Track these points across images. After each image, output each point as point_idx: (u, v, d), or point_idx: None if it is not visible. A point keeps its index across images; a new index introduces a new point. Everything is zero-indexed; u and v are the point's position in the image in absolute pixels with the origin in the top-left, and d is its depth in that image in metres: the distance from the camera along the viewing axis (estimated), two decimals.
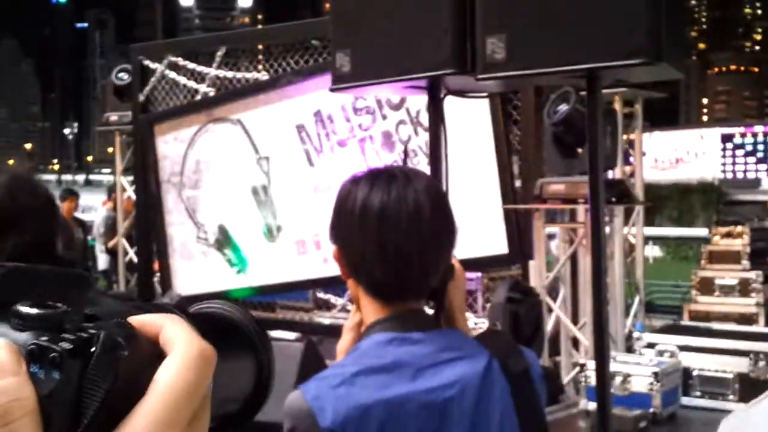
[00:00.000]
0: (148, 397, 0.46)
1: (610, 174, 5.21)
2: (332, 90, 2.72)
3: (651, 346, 3.98)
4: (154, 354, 0.48)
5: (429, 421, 1.44)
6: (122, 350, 0.45)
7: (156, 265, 7.69)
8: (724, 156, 32.66)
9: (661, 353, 3.84)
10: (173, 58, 7.37)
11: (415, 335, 1.49)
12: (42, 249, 1.51)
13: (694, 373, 3.91)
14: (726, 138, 32.89)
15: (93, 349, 0.44)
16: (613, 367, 2.63)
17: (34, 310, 0.46)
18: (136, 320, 0.49)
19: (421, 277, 1.52)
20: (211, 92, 7.19)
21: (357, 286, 1.54)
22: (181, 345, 0.48)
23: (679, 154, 31.28)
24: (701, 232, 20.47)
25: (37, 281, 0.51)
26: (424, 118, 5.71)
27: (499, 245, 5.40)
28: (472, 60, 2.41)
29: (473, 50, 2.40)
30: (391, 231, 1.48)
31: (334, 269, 5.58)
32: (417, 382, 1.45)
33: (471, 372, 1.49)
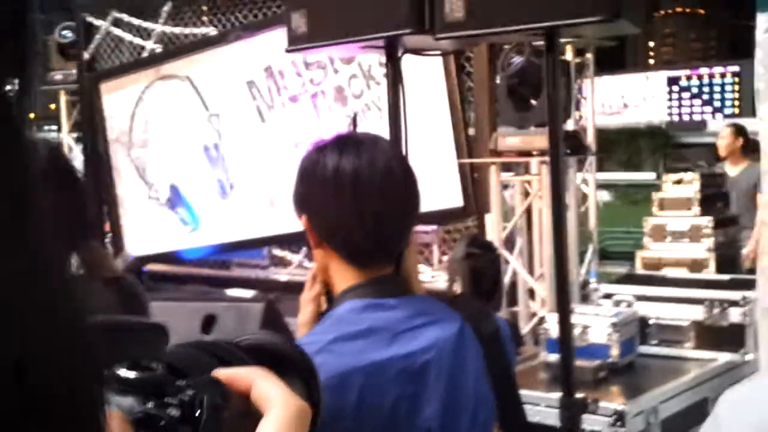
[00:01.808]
0: None
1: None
2: (288, 51, 2.67)
3: (608, 296, 4.04)
4: (248, 411, 0.48)
5: (407, 386, 1.45)
6: (224, 412, 0.46)
7: (107, 226, 7.58)
8: (670, 99, 32.98)
9: (617, 303, 3.90)
10: (118, 15, 7.20)
11: (390, 301, 1.50)
12: (82, 212, 1.54)
13: (651, 322, 3.98)
14: (672, 81, 33.18)
15: (198, 413, 0.45)
16: (571, 318, 2.66)
17: (133, 374, 0.47)
18: (226, 375, 0.49)
19: (397, 241, 1.54)
20: (158, 49, 7.05)
21: (327, 254, 1.53)
22: (278, 404, 0.48)
23: (626, 99, 31.55)
24: (650, 176, 20.75)
25: (123, 336, 0.52)
26: (376, 72, 5.66)
27: (455, 198, 5.41)
28: (431, 19, 2.38)
29: (431, 9, 2.36)
30: (366, 195, 1.48)
31: (288, 226, 5.54)
32: (394, 347, 1.45)
33: (445, 336, 1.50)
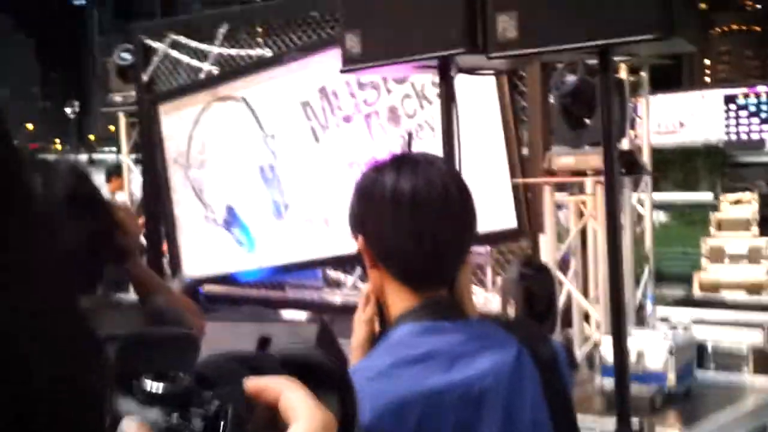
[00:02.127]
0: None
1: (618, 144, 5.17)
2: (343, 71, 2.70)
3: (664, 319, 3.97)
4: (274, 422, 0.48)
5: (465, 412, 1.43)
6: (248, 424, 0.46)
7: (165, 247, 7.69)
8: (727, 118, 32.42)
9: (674, 327, 3.84)
10: (175, 37, 7.33)
11: (447, 324, 1.48)
12: (107, 237, 1.54)
13: (709, 346, 3.91)
14: (729, 99, 32.62)
15: (222, 424, 0.45)
16: (627, 343, 2.62)
17: (159, 385, 0.47)
18: (253, 385, 0.50)
19: (454, 263, 1.52)
20: (215, 70, 7.15)
21: (383, 276, 1.51)
22: (304, 416, 0.49)
23: (682, 117, 31.11)
24: (707, 196, 20.38)
25: (151, 348, 0.52)
26: (429, 92, 5.68)
27: (508, 219, 5.39)
28: (484, 38, 2.38)
29: (484, 28, 2.37)
30: (425, 216, 1.46)
31: (343, 247, 5.60)
32: (452, 372, 1.43)
33: (503, 361, 1.48)
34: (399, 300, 1.50)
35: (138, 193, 8.43)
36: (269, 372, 0.54)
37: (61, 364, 0.40)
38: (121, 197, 9.40)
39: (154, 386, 0.47)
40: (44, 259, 0.42)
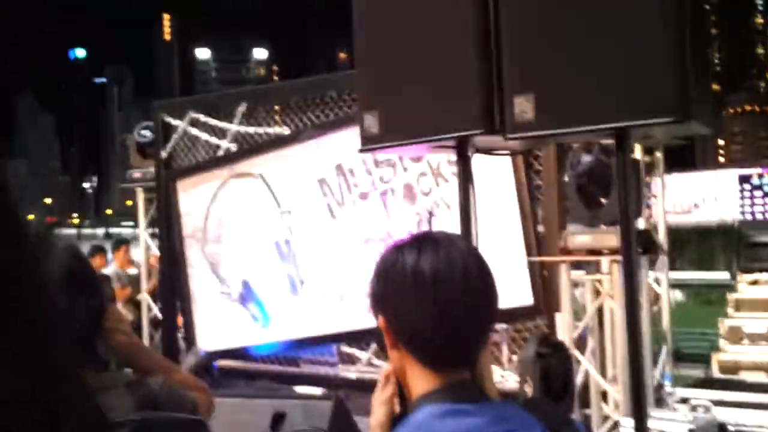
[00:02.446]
0: None
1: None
2: (361, 151, 2.73)
3: (684, 400, 3.92)
4: None
5: None
6: None
7: (180, 320, 7.69)
8: (742, 197, 32.44)
9: (695, 408, 3.78)
10: (194, 115, 7.45)
11: (469, 407, 1.45)
12: (100, 313, 1.57)
13: (730, 428, 3.84)
14: (743, 179, 32.70)
15: None
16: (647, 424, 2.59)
17: None
18: None
19: (476, 344, 1.50)
20: (233, 148, 7.25)
21: (404, 356, 1.50)
22: None
23: (697, 197, 31.13)
24: (723, 276, 20.24)
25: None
26: (445, 170, 5.73)
27: (525, 297, 5.37)
28: (501, 119, 2.42)
29: (501, 110, 2.41)
30: (446, 296, 1.44)
31: (358, 323, 5.56)
32: None
33: None
34: (420, 381, 1.48)
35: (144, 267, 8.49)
36: None
37: None
38: (134, 271, 9.44)
39: None
40: (53, 331, 0.44)
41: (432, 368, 1.47)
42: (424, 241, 1.51)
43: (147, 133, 7.94)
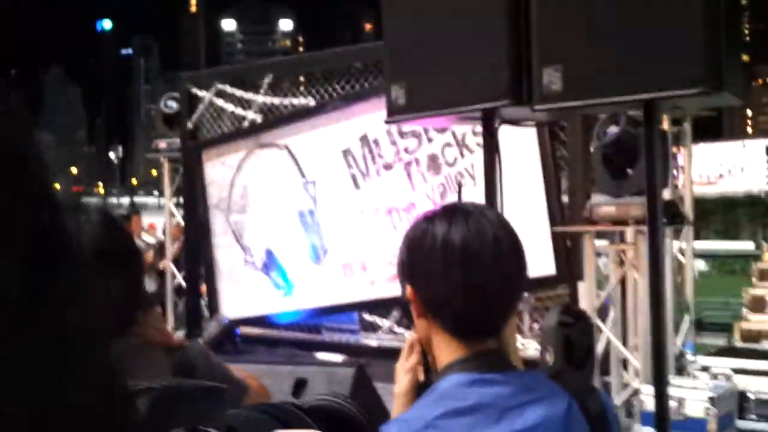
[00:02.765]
0: None
1: None
2: (387, 122, 2.75)
3: (705, 369, 3.94)
4: None
5: None
6: None
7: (203, 289, 7.77)
8: None
9: (715, 376, 3.80)
10: (220, 86, 7.48)
11: (496, 376, 1.46)
12: (137, 285, 1.54)
13: (750, 396, 3.87)
14: None
15: None
16: (668, 391, 2.62)
17: None
18: None
19: (504, 314, 1.51)
20: (258, 119, 7.27)
21: (431, 326, 1.50)
22: None
23: (723, 168, 30.87)
24: (749, 246, 20.17)
25: (182, 402, 0.53)
26: (470, 140, 5.73)
27: (547, 266, 5.38)
28: (528, 91, 2.43)
29: (529, 81, 2.42)
30: (476, 267, 1.45)
31: (380, 291, 5.60)
32: (502, 424, 1.42)
33: (553, 414, 1.46)
34: (447, 350, 1.49)
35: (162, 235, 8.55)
36: (298, 425, 0.56)
37: (98, 415, 0.43)
38: (150, 239, 9.53)
39: None
40: (85, 308, 0.44)
41: (459, 337, 1.48)
42: (454, 212, 1.51)
43: (173, 103, 7.98)
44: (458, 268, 1.45)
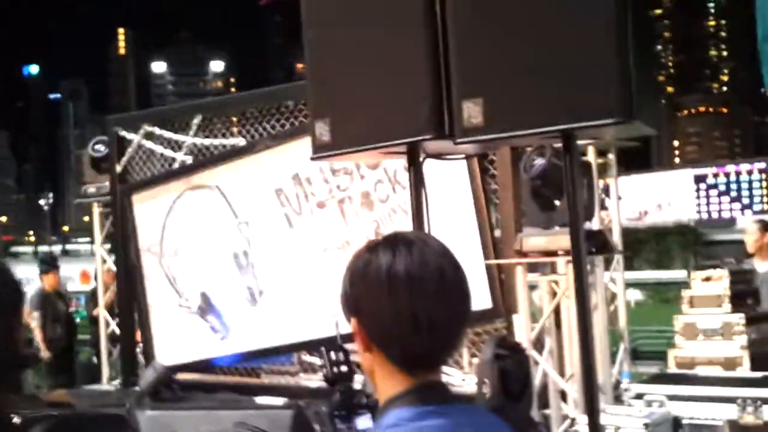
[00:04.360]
0: None
1: (587, 224, 5.25)
2: (313, 159, 2.75)
3: (639, 396, 3.98)
4: None
5: None
6: None
7: (138, 335, 7.63)
8: (698, 197, 33.02)
9: (650, 403, 3.85)
10: (149, 128, 7.41)
11: (439, 408, 1.44)
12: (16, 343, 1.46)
13: (684, 422, 3.92)
14: (699, 179, 33.30)
15: None
16: (603, 419, 2.64)
17: None
18: None
19: (451, 345, 1.49)
20: (189, 160, 7.22)
21: (376, 358, 1.48)
22: None
23: (654, 198, 31.57)
24: (680, 274, 20.58)
25: (81, 427, 0.53)
26: (402, 177, 5.76)
27: (483, 300, 5.42)
28: (450, 124, 2.45)
29: (450, 115, 2.44)
30: (422, 297, 1.43)
31: (318, 332, 5.53)
32: None
33: None
34: (391, 384, 1.47)
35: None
36: None
37: None
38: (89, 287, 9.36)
39: None
40: None
41: (404, 369, 1.46)
42: (397, 242, 1.49)
43: (101, 147, 7.88)
44: (404, 298, 1.43)
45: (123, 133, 7.59)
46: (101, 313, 8.34)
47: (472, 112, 2.37)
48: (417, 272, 1.44)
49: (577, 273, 2.45)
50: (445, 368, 4.87)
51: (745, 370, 5.65)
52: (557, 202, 4.71)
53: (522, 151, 5.13)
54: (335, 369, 4.10)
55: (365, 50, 2.64)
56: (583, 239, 2.43)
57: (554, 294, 5.10)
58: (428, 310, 1.43)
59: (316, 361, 6.67)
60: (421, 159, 2.68)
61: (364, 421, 3.68)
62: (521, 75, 2.33)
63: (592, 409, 2.49)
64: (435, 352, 1.46)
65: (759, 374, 4.62)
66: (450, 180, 5.42)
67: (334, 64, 2.73)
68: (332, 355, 4.12)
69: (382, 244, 1.49)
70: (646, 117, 2.29)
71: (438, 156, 2.80)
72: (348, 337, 1.54)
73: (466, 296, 1.50)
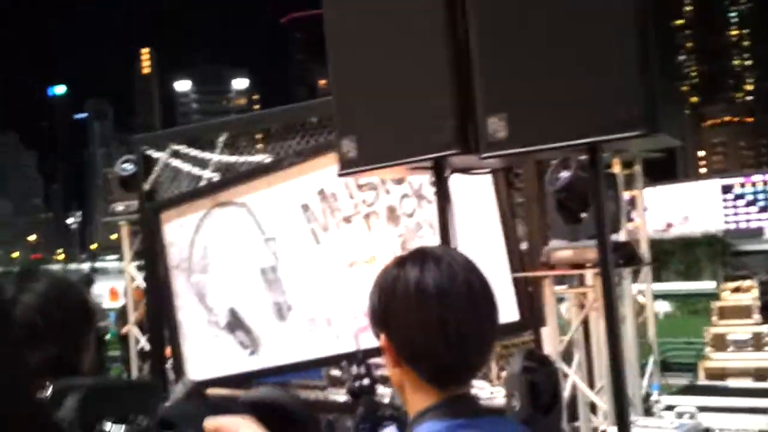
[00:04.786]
0: None
1: (614, 236, 5.24)
2: (340, 175, 2.78)
3: (670, 408, 3.97)
4: None
5: None
6: None
7: (168, 351, 7.68)
8: (725, 207, 32.71)
9: (680, 415, 3.83)
10: (176, 147, 7.49)
11: (469, 422, 1.44)
12: (65, 362, 1.41)
13: None
14: (726, 189, 33.00)
15: None
16: None
17: (120, 428, 0.50)
18: (212, 425, 0.54)
19: (481, 359, 1.49)
20: (215, 177, 7.28)
21: (405, 374, 1.48)
22: None
23: (681, 208, 31.32)
24: (709, 285, 20.40)
25: (111, 396, 0.55)
26: (427, 191, 5.78)
27: (510, 313, 5.41)
28: (475, 139, 2.47)
29: (475, 130, 2.46)
30: (451, 312, 1.43)
31: (345, 346, 5.56)
32: None
33: None
34: (421, 399, 1.47)
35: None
36: (234, 414, 0.56)
37: None
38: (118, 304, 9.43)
39: (114, 429, 0.50)
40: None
41: (434, 385, 1.46)
42: (425, 257, 1.49)
43: (128, 166, 7.96)
44: (433, 312, 1.43)
45: (149, 151, 7.67)
46: (131, 329, 8.41)
47: (496, 126, 2.39)
48: (446, 286, 1.44)
49: (605, 285, 2.46)
50: (474, 382, 4.87)
51: None
52: (583, 215, 4.71)
53: (547, 164, 5.14)
54: (357, 383, 4.12)
55: (389, 66, 2.67)
56: (610, 251, 2.44)
57: (582, 306, 5.10)
58: (457, 323, 1.43)
59: (344, 375, 6.70)
60: (446, 174, 2.70)
61: None
62: (545, 89, 2.35)
63: (622, 421, 2.49)
64: (464, 366, 1.47)
65: None
66: (476, 194, 5.43)
67: (359, 81, 2.76)
68: (354, 368, 4.15)
69: (410, 259, 1.50)
70: (670, 128, 2.31)
71: (464, 171, 2.82)
72: (374, 352, 1.54)
73: (494, 309, 1.50)
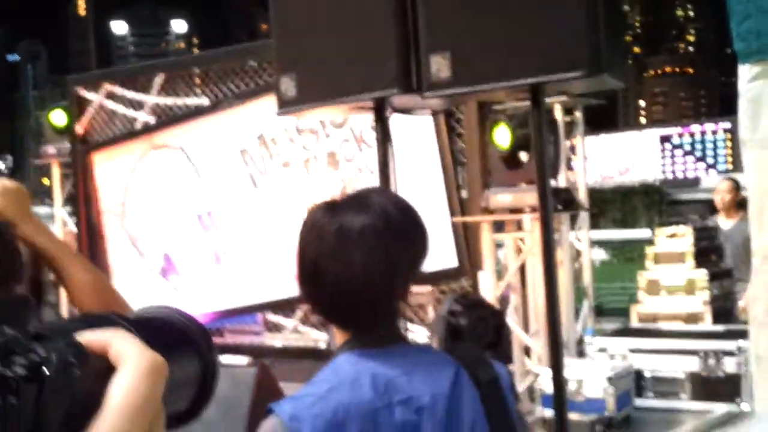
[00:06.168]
0: (104, 412, 0.48)
1: (553, 182, 5.27)
2: (279, 114, 2.71)
3: (602, 350, 4.03)
4: (106, 369, 0.49)
5: (403, 431, 1.47)
6: (75, 370, 0.47)
7: None
8: (663, 157, 33.26)
9: (612, 357, 3.90)
10: (110, 87, 7.28)
11: (384, 349, 1.53)
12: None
13: (646, 374, 3.97)
14: (664, 139, 33.52)
15: (47, 372, 0.46)
16: (566, 373, 2.66)
17: None
18: (84, 337, 0.50)
19: (392, 302, 1.57)
20: (151, 120, 7.11)
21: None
22: (131, 358, 0.50)
23: (619, 158, 31.76)
24: (645, 233, 20.79)
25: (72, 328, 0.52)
26: (368, 136, 5.73)
27: (449, 258, 5.42)
28: (417, 79, 2.43)
29: (418, 69, 2.41)
30: (373, 251, 1.51)
31: (283, 291, 5.51)
32: (390, 394, 1.48)
33: (440, 381, 1.52)
34: (340, 335, 1.57)
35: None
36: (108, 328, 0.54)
37: None
38: None
39: None
40: None
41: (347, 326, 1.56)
42: (335, 205, 1.57)
43: (62, 114, 7.69)
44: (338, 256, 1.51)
45: (83, 92, 7.45)
46: None
47: (439, 65, 2.34)
48: (368, 226, 1.51)
49: (544, 226, 2.45)
50: (410, 325, 4.88)
51: (707, 325, 5.74)
52: (524, 160, 4.71)
53: (489, 109, 5.12)
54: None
55: (332, 5, 2.60)
56: (550, 193, 2.43)
57: (520, 251, 5.13)
58: (362, 274, 1.49)
59: (281, 320, 6.67)
60: (387, 114, 2.65)
61: None
62: (489, 29, 2.31)
63: (556, 363, 2.50)
64: (375, 317, 1.54)
65: (721, 327, 4.69)
66: (417, 139, 5.39)
67: (300, 20, 2.68)
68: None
69: (322, 206, 1.58)
70: (614, 70, 2.29)
71: (405, 111, 2.77)
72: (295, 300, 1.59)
73: (418, 247, 1.58)
